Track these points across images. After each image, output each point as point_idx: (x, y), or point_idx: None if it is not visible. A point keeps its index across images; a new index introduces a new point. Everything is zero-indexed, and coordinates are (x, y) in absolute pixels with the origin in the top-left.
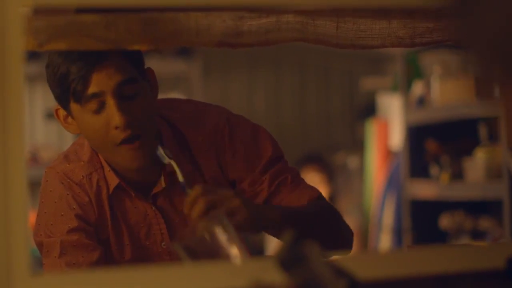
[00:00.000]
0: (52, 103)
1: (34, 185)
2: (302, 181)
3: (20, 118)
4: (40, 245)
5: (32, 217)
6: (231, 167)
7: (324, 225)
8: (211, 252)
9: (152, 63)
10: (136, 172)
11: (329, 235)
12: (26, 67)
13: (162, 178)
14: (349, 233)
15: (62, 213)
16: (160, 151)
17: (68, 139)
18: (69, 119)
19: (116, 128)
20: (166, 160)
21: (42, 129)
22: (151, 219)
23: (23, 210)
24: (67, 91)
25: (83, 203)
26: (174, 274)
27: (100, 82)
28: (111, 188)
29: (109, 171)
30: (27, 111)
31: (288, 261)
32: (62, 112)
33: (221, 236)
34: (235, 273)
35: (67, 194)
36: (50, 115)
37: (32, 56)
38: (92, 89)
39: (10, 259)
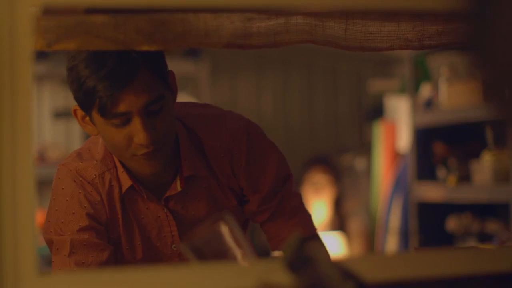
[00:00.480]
0: (60, 103)
1: (41, 184)
2: (299, 212)
3: (28, 118)
4: (50, 242)
5: (39, 216)
6: (242, 175)
7: None
8: (218, 253)
9: None
10: (150, 175)
11: None
12: (35, 66)
13: (178, 182)
14: None
15: (74, 212)
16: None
17: (76, 138)
18: (87, 119)
19: (140, 144)
20: None
21: (49, 128)
22: (162, 221)
23: (30, 209)
24: (92, 103)
25: (94, 202)
26: (181, 275)
27: (128, 102)
28: (124, 189)
29: (122, 172)
30: (35, 110)
31: (296, 262)
32: (80, 112)
33: (228, 237)
34: (242, 274)
35: (79, 193)
36: (58, 115)
37: (41, 56)
38: (119, 108)
39: (17, 258)
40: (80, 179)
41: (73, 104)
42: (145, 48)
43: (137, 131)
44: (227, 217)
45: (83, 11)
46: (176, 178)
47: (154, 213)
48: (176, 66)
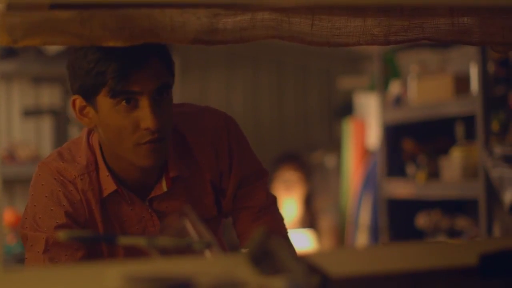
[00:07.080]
0: (30, 102)
1: (12, 183)
2: (270, 212)
3: None
4: (24, 238)
5: (8, 215)
6: (224, 169)
7: None
8: (182, 249)
9: None
10: (141, 172)
11: None
12: (3, 65)
13: (164, 182)
14: None
15: (52, 208)
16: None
17: (46, 137)
18: (86, 111)
19: (146, 129)
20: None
21: (19, 127)
22: (146, 221)
23: None
24: (102, 85)
25: (73, 201)
26: (148, 270)
27: (141, 83)
28: (106, 192)
29: (107, 175)
30: (4, 109)
31: (258, 256)
32: (79, 103)
33: (192, 231)
34: (207, 268)
35: (59, 191)
36: (27, 113)
37: (10, 54)
38: (131, 87)
39: None
40: (61, 178)
41: (43, 103)
42: (111, 43)
43: (145, 115)
44: (188, 211)
45: (48, 7)
46: (161, 178)
47: (139, 214)
48: None
